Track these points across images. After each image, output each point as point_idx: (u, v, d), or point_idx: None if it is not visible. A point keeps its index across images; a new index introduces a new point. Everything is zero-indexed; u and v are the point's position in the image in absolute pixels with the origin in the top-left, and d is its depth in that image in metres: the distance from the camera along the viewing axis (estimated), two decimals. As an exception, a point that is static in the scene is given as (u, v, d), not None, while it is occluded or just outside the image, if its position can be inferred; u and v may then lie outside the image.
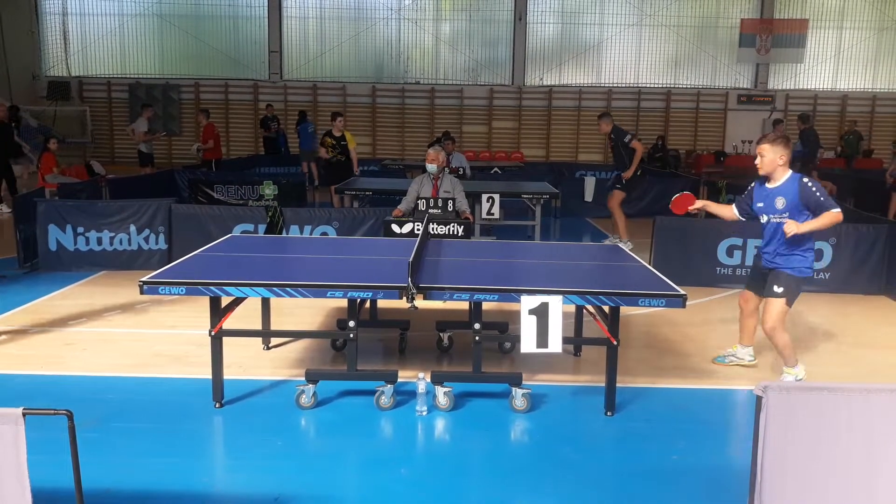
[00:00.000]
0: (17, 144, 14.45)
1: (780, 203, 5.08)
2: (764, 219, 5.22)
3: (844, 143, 20.07)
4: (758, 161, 5.13)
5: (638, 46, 22.43)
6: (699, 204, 5.52)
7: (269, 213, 8.64)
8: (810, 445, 2.82)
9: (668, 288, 4.62)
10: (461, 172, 12.49)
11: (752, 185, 5.35)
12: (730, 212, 5.53)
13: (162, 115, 21.13)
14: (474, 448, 4.34)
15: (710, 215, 5.90)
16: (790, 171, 5.11)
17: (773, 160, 5.07)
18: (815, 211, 4.97)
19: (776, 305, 5.10)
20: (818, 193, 4.96)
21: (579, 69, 22.57)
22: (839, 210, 4.95)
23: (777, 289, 5.08)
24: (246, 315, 6.59)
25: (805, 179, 5.02)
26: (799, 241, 5.02)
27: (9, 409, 2.49)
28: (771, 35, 21.92)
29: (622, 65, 22.49)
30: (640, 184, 11.14)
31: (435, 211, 7.64)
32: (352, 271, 5.14)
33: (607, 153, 22.37)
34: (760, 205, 5.22)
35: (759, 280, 5.36)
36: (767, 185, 5.17)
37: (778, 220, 5.09)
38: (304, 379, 4.80)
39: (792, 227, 4.88)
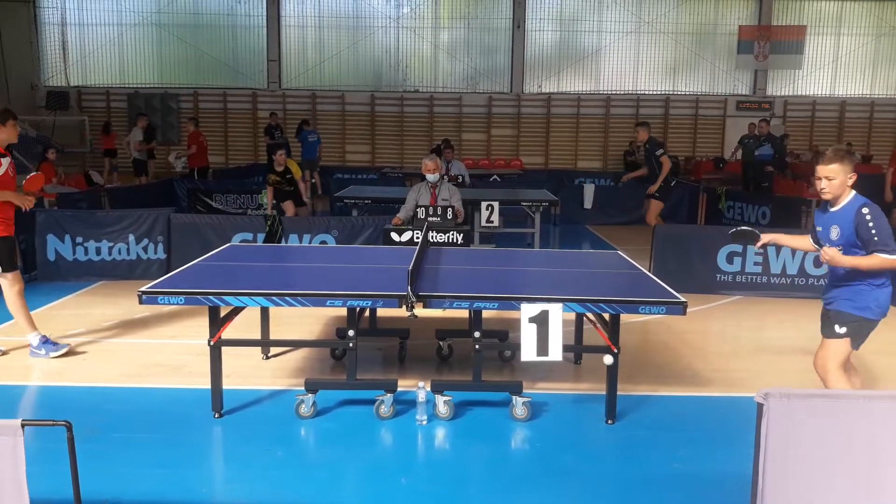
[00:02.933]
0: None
1: (834, 233, 4.21)
2: (818, 244, 4.42)
3: (743, 148, 15.88)
4: (823, 186, 4.17)
5: (636, 53, 22.49)
6: (767, 238, 4.68)
7: (268, 223, 8.64)
8: (812, 452, 2.81)
9: (669, 295, 4.61)
10: (460, 180, 12.50)
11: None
12: (807, 242, 4.68)
13: (161, 124, 21.16)
14: (475, 457, 4.32)
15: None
16: (853, 193, 4.22)
17: (843, 182, 4.16)
18: (866, 247, 4.09)
19: (833, 345, 4.28)
20: (874, 229, 4.04)
21: (578, 76, 22.62)
22: (894, 257, 4.02)
23: (839, 329, 4.24)
24: (245, 325, 6.58)
25: (865, 208, 4.10)
26: (861, 273, 4.16)
27: (7, 421, 2.48)
28: (769, 41, 21.98)
29: (621, 72, 22.54)
30: (671, 193, 11.05)
31: (434, 219, 7.64)
32: (351, 280, 5.13)
33: (606, 160, 22.53)
34: (819, 229, 4.40)
35: (824, 324, 4.43)
36: (830, 207, 4.29)
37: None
38: (303, 388, 4.79)
39: (829, 254, 4.11)
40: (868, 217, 4.07)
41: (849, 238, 4.14)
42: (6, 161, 5.62)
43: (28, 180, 6.08)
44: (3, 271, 5.71)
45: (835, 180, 4.13)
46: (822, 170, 4.16)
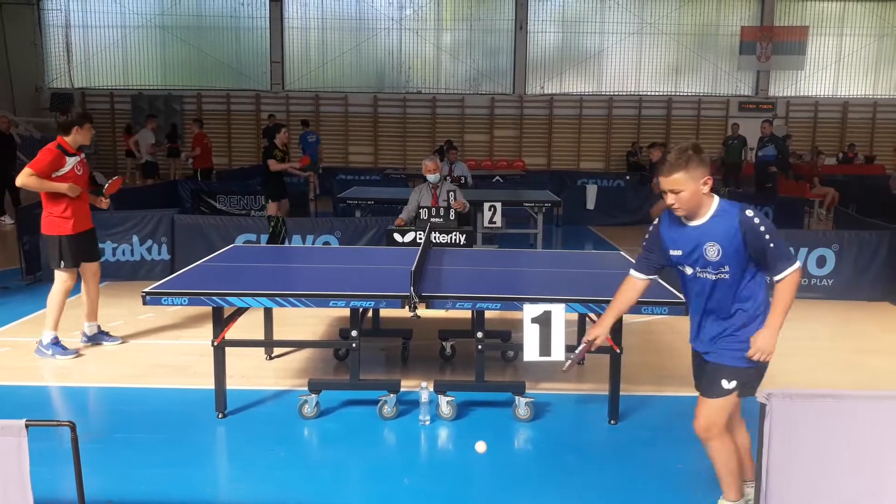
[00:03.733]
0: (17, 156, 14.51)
1: (712, 252, 3.22)
2: (689, 271, 3.36)
3: (727, 149, 16.73)
4: (672, 201, 3.23)
5: (638, 54, 22.50)
6: (595, 335, 3.62)
7: (272, 223, 8.66)
8: (815, 453, 2.81)
9: (671, 295, 4.61)
10: (463, 181, 12.52)
11: (656, 223, 3.49)
12: (632, 295, 3.63)
13: (164, 125, 21.22)
14: (478, 457, 4.32)
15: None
16: (716, 199, 3.26)
17: (694, 192, 3.19)
18: (765, 262, 3.20)
19: (719, 404, 3.35)
20: (767, 234, 3.14)
21: (580, 77, 22.63)
22: (798, 265, 3.22)
23: (727, 384, 3.31)
24: (248, 325, 6.59)
25: (749, 211, 3.19)
26: (751, 316, 3.29)
27: (12, 421, 2.49)
28: (771, 42, 21.97)
29: (623, 73, 22.55)
30: None
31: (436, 220, 7.65)
32: (354, 281, 5.14)
33: (609, 161, 22.53)
34: (678, 253, 3.35)
35: (705, 379, 3.43)
36: (689, 223, 3.29)
37: (714, 276, 3.27)
38: (306, 389, 4.79)
39: (760, 345, 3.21)
40: (757, 220, 3.15)
41: (736, 253, 3.18)
42: (73, 160, 5.78)
43: (109, 185, 6.35)
44: (63, 267, 5.85)
45: (684, 192, 3.17)
46: (664, 182, 3.21)
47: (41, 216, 5.88)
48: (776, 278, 3.21)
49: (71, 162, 5.75)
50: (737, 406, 3.46)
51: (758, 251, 3.18)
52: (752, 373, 3.32)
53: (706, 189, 3.21)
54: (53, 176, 5.66)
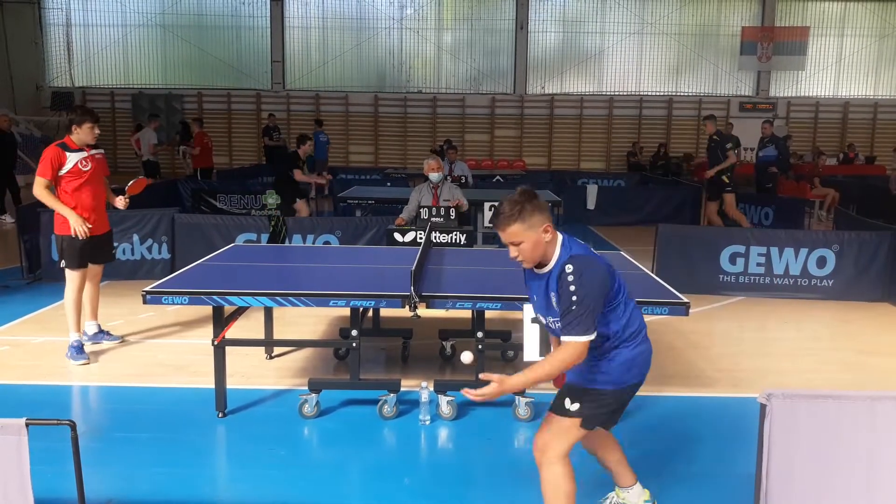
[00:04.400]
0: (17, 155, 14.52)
1: (554, 300, 3.02)
2: (542, 321, 3.26)
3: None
4: (514, 255, 3.03)
5: (639, 54, 22.50)
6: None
7: (272, 223, 8.65)
8: (815, 453, 2.81)
9: (671, 296, 4.61)
10: (463, 181, 12.51)
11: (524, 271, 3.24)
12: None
13: (165, 125, 21.22)
14: (478, 457, 4.33)
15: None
16: (559, 243, 3.05)
17: (536, 242, 2.99)
18: (562, 319, 2.94)
19: (563, 424, 3.19)
20: (574, 295, 2.89)
21: (581, 77, 22.64)
22: (582, 339, 2.90)
23: (571, 405, 3.14)
24: (249, 324, 6.59)
25: (568, 266, 2.93)
26: (598, 350, 3.10)
27: (12, 420, 2.50)
28: (772, 42, 21.97)
29: (623, 73, 22.56)
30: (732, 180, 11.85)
31: (437, 219, 7.65)
32: (354, 280, 5.14)
33: (609, 161, 22.53)
34: (536, 298, 3.19)
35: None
36: (539, 270, 3.11)
37: (556, 326, 3.07)
38: (307, 388, 4.80)
39: (488, 391, 2.93)
40: (570, 275, 2.90)
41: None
42: (76, 156, 5.75)
43: (132, 185, 6.34)
44: (67, 268, 5.83)
45: (524, 244, 2.97)
46: (503, 236, 3.02)
47: (53, 215, 5.85)
48: (561, 339, 2.97)
49: (73, 157, 5.73)
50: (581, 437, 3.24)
51: (562, 306, 2.94)
52: (596, 397, 3.11)
53: (548, 237, 3.00)
54: (60, 174, 5.67)
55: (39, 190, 5.67)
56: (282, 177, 11.07)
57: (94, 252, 5.96)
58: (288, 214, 10.74)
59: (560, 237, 3.07)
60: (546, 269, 3.06)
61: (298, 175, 10.83)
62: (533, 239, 2.97)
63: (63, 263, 5.84)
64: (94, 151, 5.90)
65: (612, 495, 3.69)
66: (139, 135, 16.32)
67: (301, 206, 10.89)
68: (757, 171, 14.49)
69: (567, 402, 3.15)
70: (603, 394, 3.14)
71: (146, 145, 15.76)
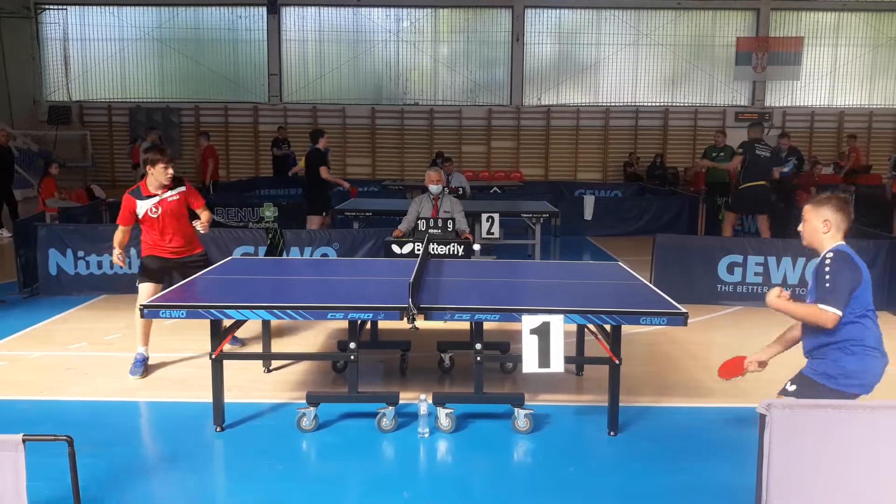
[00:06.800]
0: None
1: (811, 283, 3.80)
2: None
3: (710, 160, 13.67)
4: (800, 227, 3.85)
5: (635, 65, 22.59)
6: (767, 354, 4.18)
7: (270, 235, 8.65)
8: (815, 463, 2.80)
9: (669, 306, 4.61)
10: (460, 192, 12.52)
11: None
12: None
13: (164, 138, 21.24)
14: (477, 470, 4.31)
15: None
16: (836, 243, 3.74)
17: (814, 228, 3.75)
18: (817, 298, 3.66)
19: None
20: (828, 275, 3.60)
21: (577, 89, 22.71)
22: (829, 310, 3.57)
23: (790, 387, 3.82)
24: (246, 338, 6.58)
25: (830, 253, 3.67)
26: (848, 332, 3.64)
27: (9, 436, 2.49)
28: (767, 53, 22.08)
29: (619, 84, 22.63)
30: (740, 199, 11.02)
31: (435, 231, 7.65)
32: (352, 293, 5.13)
33: (606, 172, 22.58)
34: (809, 281, 3.96)
35: None
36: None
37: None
38: (305, 402, 4.78)
39: (771, 296, 3.75)
40: (828, 260, 3.63)
41: (814, 286, 3.73)
42: (147, 203, 5.83)
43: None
44: (138, 283, 5.92)
45: (806, 224, 3.80)
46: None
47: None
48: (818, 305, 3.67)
49: (143, 206, 5.80)
50: None
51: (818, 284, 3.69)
52: None
53: (825, 230, 3.72)
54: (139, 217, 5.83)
55: (118, 236, 5.89)
56: (314, 179, 10.84)
57: (185, 271, 5.95)
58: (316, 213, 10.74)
59: (840, 243, 3.71)
60: (817, 259, 3.77)
61: (324, 172, 10.67)
62: (813, 226, 3.72)
63: (137, 281, 5.93)
64: (169, 193, 5.87)
65: None
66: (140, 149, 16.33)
67: (313, 222, 10.70)
68: (780, 185, 13.97)
69: (788, 383, 3.82)
70: (821, 390, 3.65)
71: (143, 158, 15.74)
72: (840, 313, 3.55)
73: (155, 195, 5.83)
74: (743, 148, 10.74)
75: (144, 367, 5.78)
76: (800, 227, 3.81)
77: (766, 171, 10.64)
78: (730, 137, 22.88)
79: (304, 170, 11.41)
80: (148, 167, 5.79)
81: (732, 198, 11.02)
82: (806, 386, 3.70)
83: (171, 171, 5.81)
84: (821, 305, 3.57)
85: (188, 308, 4.52)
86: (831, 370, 3.68)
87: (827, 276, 3.57)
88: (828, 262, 3.60)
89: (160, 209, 5.83)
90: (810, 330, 3.76)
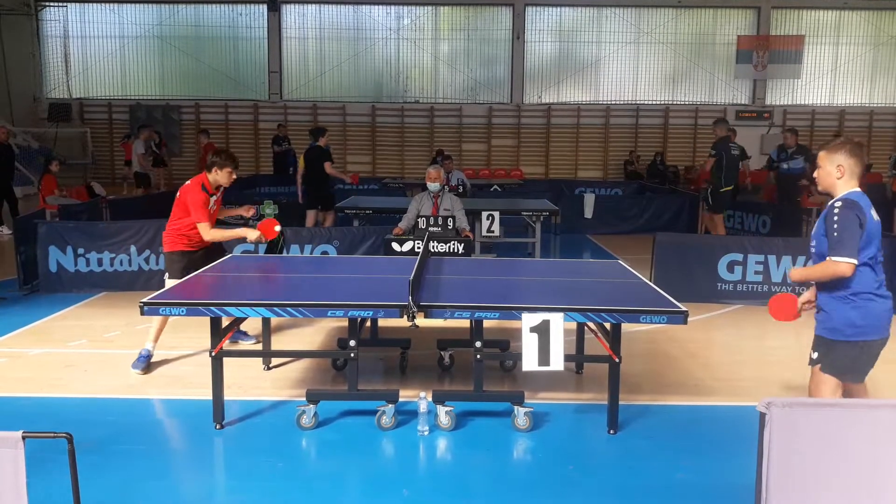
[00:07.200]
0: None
1: (817, 228, 3.81)
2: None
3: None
4: (815, 174, 3.91)
5: (635, 63, 22.57)
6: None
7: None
8: (815, 462, 2.80)
9: (669, 304, 4.61)
10: (460, 190, 12.51)
11: None
12: None
13: (164, 135, 21.22)
14: (477, 468, 4.31)
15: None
16: (851, 189, 3.78)
17: (828, 173, 3.78)
18: (829, 249, 3.67)
19: (817, 380, 3.81)
20: (836, 226, 3.62)
21: (577, 87, 22.70)
22: (842, 260, 3.60)
23: (812, 353, 3.84)
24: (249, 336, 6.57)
25: (838, 202, 3.69)
26: (839, 283, 3.69)
27: (8, 433, 2.48)
28: (768, 51, 22.06)
29: (620, 82, 22.62)
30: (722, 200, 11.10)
31: (435, 229, 7.65)
32: (352, 290, 5.13)
33: (606, 170, 22.57)
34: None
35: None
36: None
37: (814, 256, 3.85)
38: (304, 399, 4.78)
39: (793, 273, 3.91)
40: (836, 210, 3.66)
41: (820, 236, 3.75)
42: (210, 200, 6.01)
43: (261, 224, 6.33)
44: (167, 278, 6.00)
45: (820, 170, 3.82)
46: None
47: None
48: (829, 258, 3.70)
49: (210, 201, 6.00)
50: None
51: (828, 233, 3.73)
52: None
53: (838, 175, 3.75)
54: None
55: (209, 234, 5.91)
56: (318, 174, 11.11)
57: (206, 264, 5.99)
58: (326, 209, 10.96)
59: (854, 190, 3.73)
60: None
61: (328, 168, 10.92)
62: (827, 171, 3.75)
63: (167, 275, 6.00)
64: (219, 193, 6.15)
65: None
66: (133, 146, 16.33)
67: (309, 216, 10.92)
68: (782, 182, 13.84)
69: (811, 352, 3.82)
70: (838, 345, 3.70)
71: (135, 156, 15.76)
72: (854, 261, 3.59)
73: (214, 193, 6.05)
74: (717, 149, 10.82)
75: (147, 363, 5.80)
76: (814, 174, 3.87)
77: (738, 170, 10.97)
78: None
79: (304, 168, 11.51)
80: (215, 168, 5.96)
81: (715, 201, 11.01)
82: (824, 345, 3.76)
83: (234, 176, 6.09)
84: (833, 258, 3.61)
85: (188, 305, 4.52)
86: (838, 324, 3.71)
87: (835, 227, 3.61)
88: (836, 211, 3.64)
89: (216, 207, 6.11)
90: (817, 286, 3.85)
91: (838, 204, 3.67)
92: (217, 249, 6.31)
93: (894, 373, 6.12)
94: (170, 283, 5.84)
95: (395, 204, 10.65)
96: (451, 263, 6.23)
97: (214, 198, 6.05)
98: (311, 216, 11.04)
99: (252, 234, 6.07)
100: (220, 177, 5.99)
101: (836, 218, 3.63)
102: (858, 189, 3.78)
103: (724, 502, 3.88)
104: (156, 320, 5.83)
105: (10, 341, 6.59)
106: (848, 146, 3.75)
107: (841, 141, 3.82)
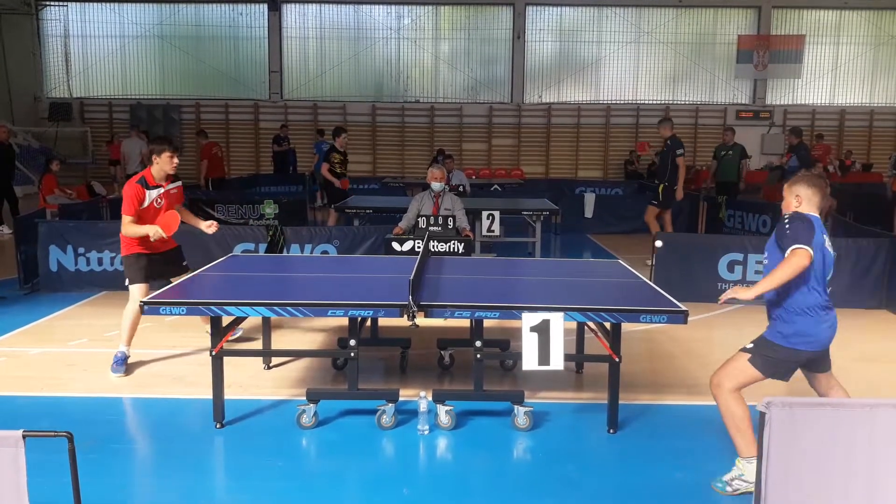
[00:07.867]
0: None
1: (770, 243, 3.99)
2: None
3: (720, 162, 13.61)
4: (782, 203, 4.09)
5: (636, 63, 22.58)
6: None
7: (270, 232, 8.65)
8: (814, 461, 2.80)
9: (670, 304, 4.61)
10: (461, 189, 12.52)
11: None
12: None
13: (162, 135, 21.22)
14: (477, 467, 4.31)
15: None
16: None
17: (788, 203, 3.98)
18: (784, 250, 3.76)
19: (737, 364, 3.96)
20: (788, 228, 3.77)
21: (578, 86, 22.70)
22: (798, 247, 3.67)
23: (748, 344, 3.98)
24: (247, 334, 6.59)
25: (788, 215, 3.90)
26: (782, 300, 3.86)
27: (9, 432, 2.49)
28: (768, 51, 22.06)
29: (621, 81, 22.63)
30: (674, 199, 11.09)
31: (435, 228, 7.65)
32: (352, 290, 5.13)
33: (606, 170, 22.57)
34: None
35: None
36: None
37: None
38: (304, 398, 4.78)
39: (740, 293, 3.78)
40: (786, 218, 3.85)
41: (772, 246, 3.93)
42: (153, 194, 5.73)
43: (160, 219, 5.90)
44: (128, 283, 5.79)
45: (785, 200, 4.02)
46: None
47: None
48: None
49: (150, 195, 5.70)
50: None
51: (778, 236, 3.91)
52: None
53: (797, 204, 3.91)
54: (139, 209, 5.64)
55: (127, 228, 5.63)
56: (323, 178, 11.46)
57: (166, 268, 5.91)
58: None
59: (810, 217, 3.84)
60: None
61: (324, 169, 11.04)
62: (786, 201, 3.98)
63: (127, 281, 5.79)
64: (171, 186, 5.87)
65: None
66: (123, 149, 16.28)
67: (332, 217, 11.07)
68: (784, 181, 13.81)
69: (749, 342, 3.97)
70: (775, 348, 3.86)
71: (133, 157, 15.73)
72: (809, 249, 3.68)
73: (160, 186, 5.78)
74: (681, 147, 11.08)
75: (125, 365, 5.75)
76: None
77: (667, 168, 11.05)
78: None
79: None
80: (154, 157, 5.69)
81: (665, 197, 11.02)
82: (762, 345, 3.91)
83: (176, 159, 5.77)
84: (789, 249, 3.70)
85: (189, 305, 4.52)
86: (785, 330, 3.86)
87: (787, 228, 3.77)
88: (786, 220, 3.83)
89: (163, 201, 5.80)
90: (769, 299, 3.96)
91: (788, 215, 3.88)
92: (176, 252, 6.04)
93: (894, 373, 6.13)
94: (134, 288, 5.72)
95: (396, 203, 10.66)
96: (451, 263, 6.23)
97: (160, 191, 5.74)
98: (332, 215, 11.14)
99: (152, 229, 5.59)
100: (162, 164, 5.68)
101: (786, 224, 3.81)
102: (816, 215, 3.94)
103: (724, 502, 3.88)
104: (129, 322, 5.74)
105: (11, 340, 6.59)
106: (807, 178, 3.98)
107: (801, 174, 4.08)
